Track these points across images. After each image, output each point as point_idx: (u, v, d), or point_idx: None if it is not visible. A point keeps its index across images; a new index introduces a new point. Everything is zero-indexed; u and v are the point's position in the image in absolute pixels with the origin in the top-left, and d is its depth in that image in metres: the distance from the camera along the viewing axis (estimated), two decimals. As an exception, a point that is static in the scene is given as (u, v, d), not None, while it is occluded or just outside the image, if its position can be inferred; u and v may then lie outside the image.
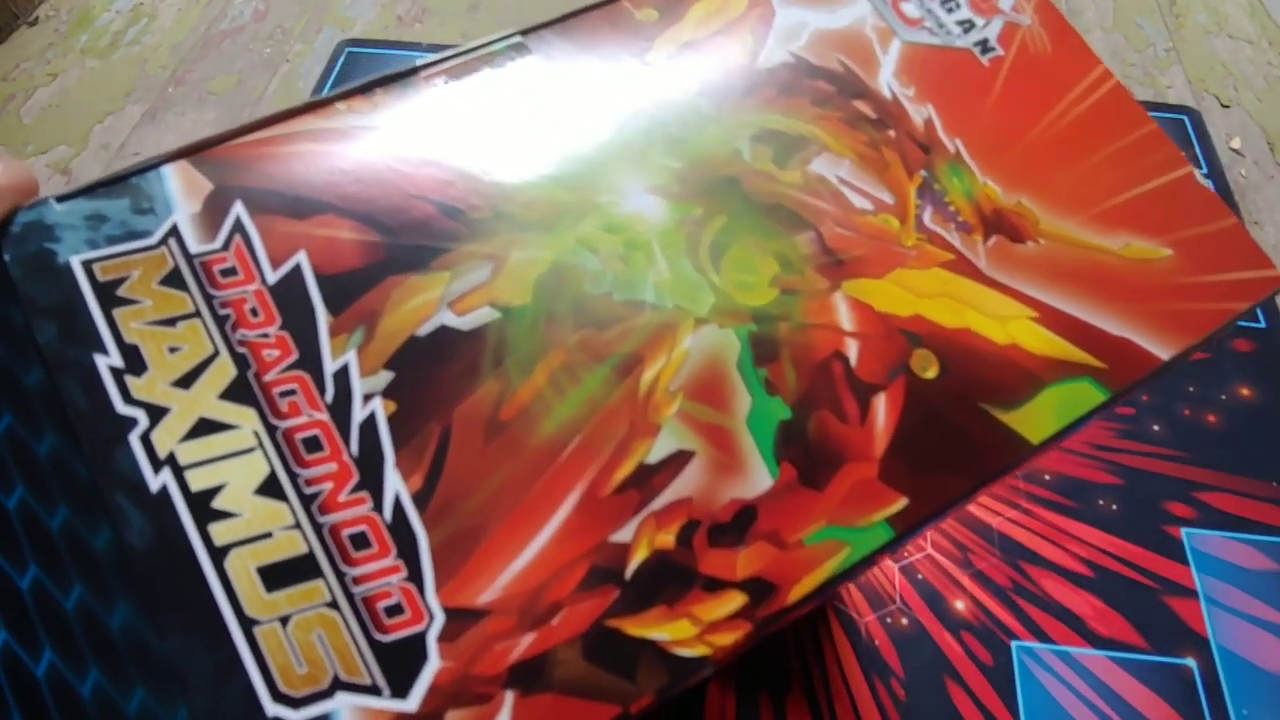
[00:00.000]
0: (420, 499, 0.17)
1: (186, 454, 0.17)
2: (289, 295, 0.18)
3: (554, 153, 0.20)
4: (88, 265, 0.18)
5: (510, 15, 0.67)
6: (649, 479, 0.18)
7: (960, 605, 0.57)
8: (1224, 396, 0.65)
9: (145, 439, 0.17)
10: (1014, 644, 0.56)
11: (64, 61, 0.64)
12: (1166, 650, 0.54)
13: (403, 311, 0.19)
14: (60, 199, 0.18)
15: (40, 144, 0.59)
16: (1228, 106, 0.71)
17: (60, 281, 0.18)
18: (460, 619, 0.17)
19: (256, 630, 0.16)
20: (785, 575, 0.18)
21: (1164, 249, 0.22)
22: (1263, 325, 0.66)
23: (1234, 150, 0.69)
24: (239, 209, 0.19)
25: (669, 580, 0.17)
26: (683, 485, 0.18)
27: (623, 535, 0.18)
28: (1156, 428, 0.63)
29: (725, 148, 0.21)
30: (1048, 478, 0.60)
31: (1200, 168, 0.69)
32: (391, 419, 0.18)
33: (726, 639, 0.17)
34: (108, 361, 0.17)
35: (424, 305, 0.19)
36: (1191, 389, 0.65)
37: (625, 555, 0.17)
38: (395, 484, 0.17)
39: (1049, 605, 0.57)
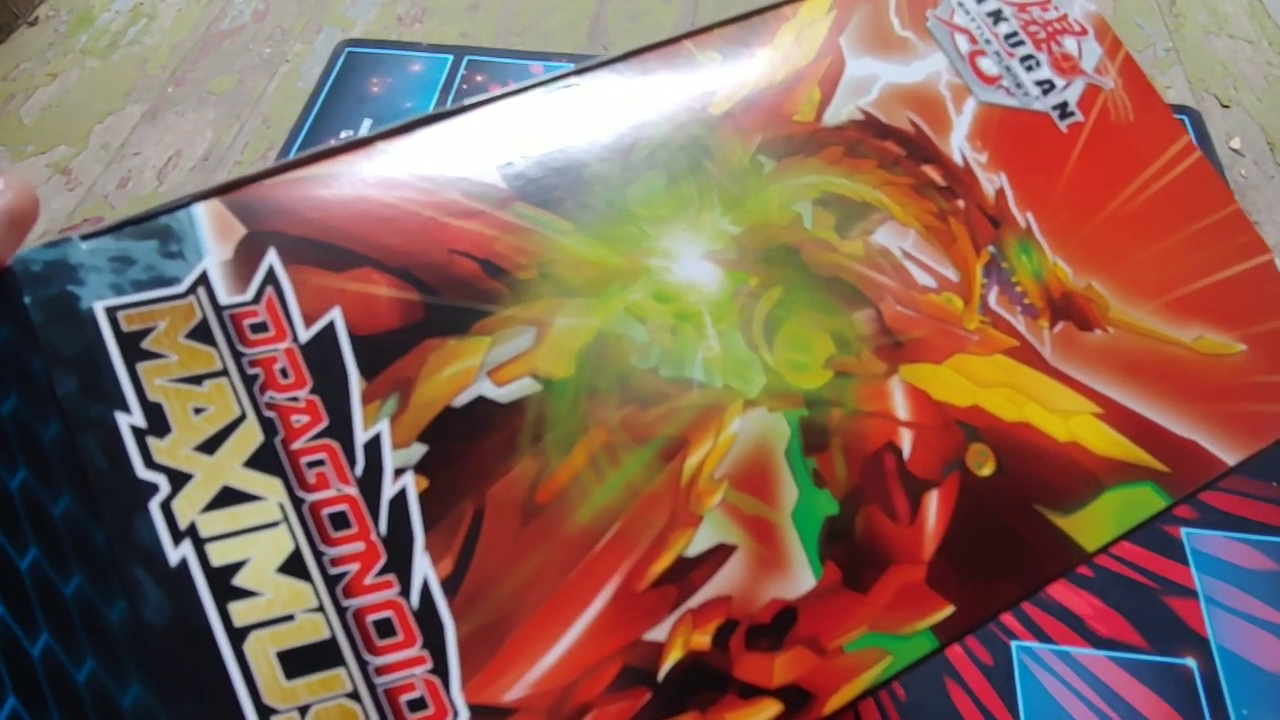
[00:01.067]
0: (449, 585, 0.16)
1: (208, 525, 0.16)
2: (321, 356, 0.17)
3: (605, 209, 0.19)
4: (112, 313, 0.17)
5: (511, 16, 0.66)
6: (688, 574, 0.17)
7: None
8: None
9: (166, 507, 0.16)
10: (1014, 644, 0.55)
11: (64, 61, 0.64)
12: (1166, 650, 0.54)
13: (439, 379, 0.18)
14: (86, 237, 0.17)
15: (40, 144, 0.59)
16: (1228, 106, 0.70)
17: (83, 329, 0.17)
18: (485, 717, 0.16)
19: None
20: (823, 684, 0.17)
21: (1238, 344, 0.21)
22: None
23: (1234, 150, 0.68)
24: (272, 257, 0.18)
25: (703, 684, 0.17)
26: (722, 582, 0.17)
27: (657, 634, 0.17)
28: None
29: (786, 212, 0.20)
30: None
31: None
32: (423, 496, 0.17)
33: None
34: (130, 420, 0.16)
35: (462, 373, 0.18)
36: None
37: (659, 655, 0.17)
38: (424, 568, 0.16)
39: (1049, 605, 0.57)
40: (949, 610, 0.18)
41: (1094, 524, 0.19)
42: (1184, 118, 0.71)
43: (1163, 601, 0.56)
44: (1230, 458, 0.20)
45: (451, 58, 0.65)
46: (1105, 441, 0.19)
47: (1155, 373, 0.20)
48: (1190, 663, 0.54)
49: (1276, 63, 0.73)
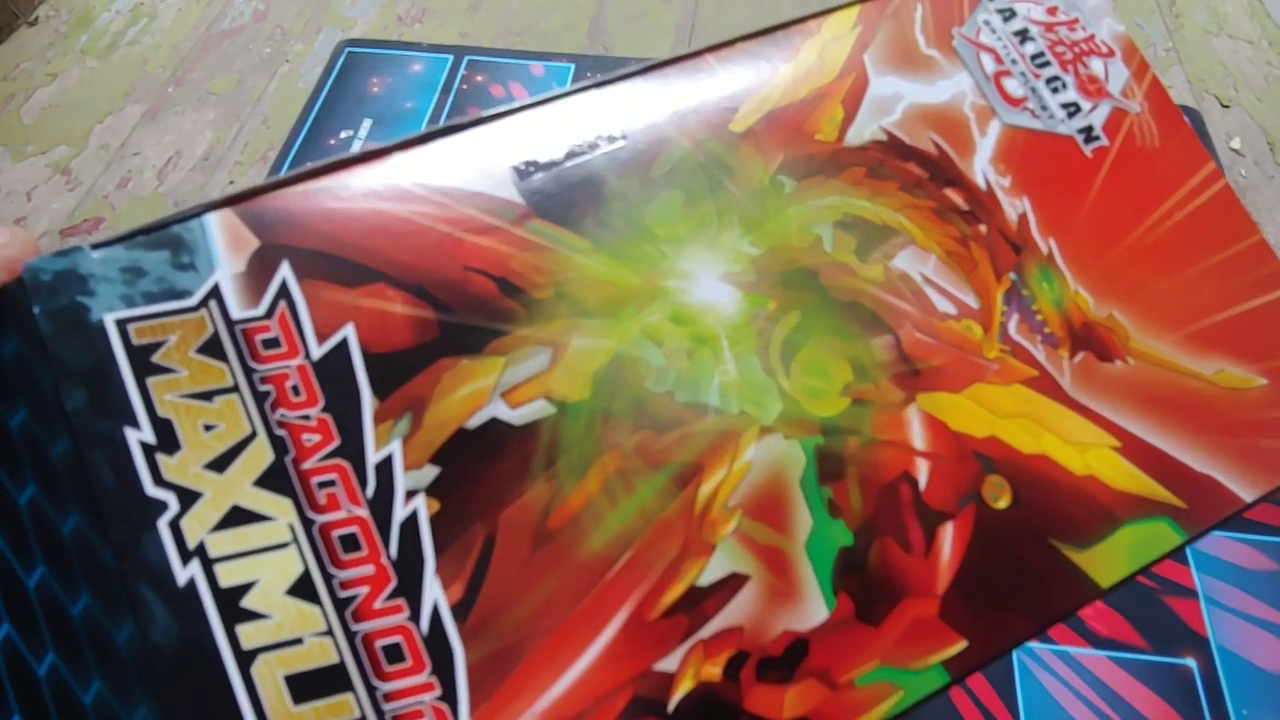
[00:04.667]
0: (459, 611, 0.16)
1: (217, 545, 0.16)
2: (333, 373, 0.17)
3: (623, 227, 0.19)
4: (122, 325, 0.17)
5: (511, 16, 0.66)
6: (700, 603, 0.17)
7: None
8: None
9: (175, 526, 0.16)
10: None
11: (64, 61, 0.64)
12: (1166, 650, 0.54)
13: (453, 400, 0.17)
14: (96, 246, 0.17)
15: (40, 144, 0.59)
16: (1228, 106, 0.70)
17: (92, 342, 0.17)
18: None
19: None
20: (833, 718, 0.17)
21: (1259, 378, 0.21)
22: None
23: (1234, 150, 0.68)
24: (285, 271, 0.18)
25: (713, 716, 0.17)
26: (734, 612, 0.17)
27: (668, 664, 0.17)
28: None
29: (806, 234, 0.20)
30: None
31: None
32: (434, 519, 0.17)
33: None
34: (139, 436, 0.16)
35: (476, 394, 0.17)
36: None
37: (670, 686, 0.17)
38: (434, 592, 0.16)
39: None
40: (961, 645, 0.18)
41: (1109, 560, 0.19)
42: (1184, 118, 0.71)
43: (1163, 601, 0.56)
44: (1248, 494, 0.19)
45: (451, 58, 0.65)
46: (1123, 476, 0.19)
47: (1175, 406, 0.20)
48: (1190, 663, 0.54)
49: (1276, 63, 0.73)
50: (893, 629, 0.17)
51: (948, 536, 0.18)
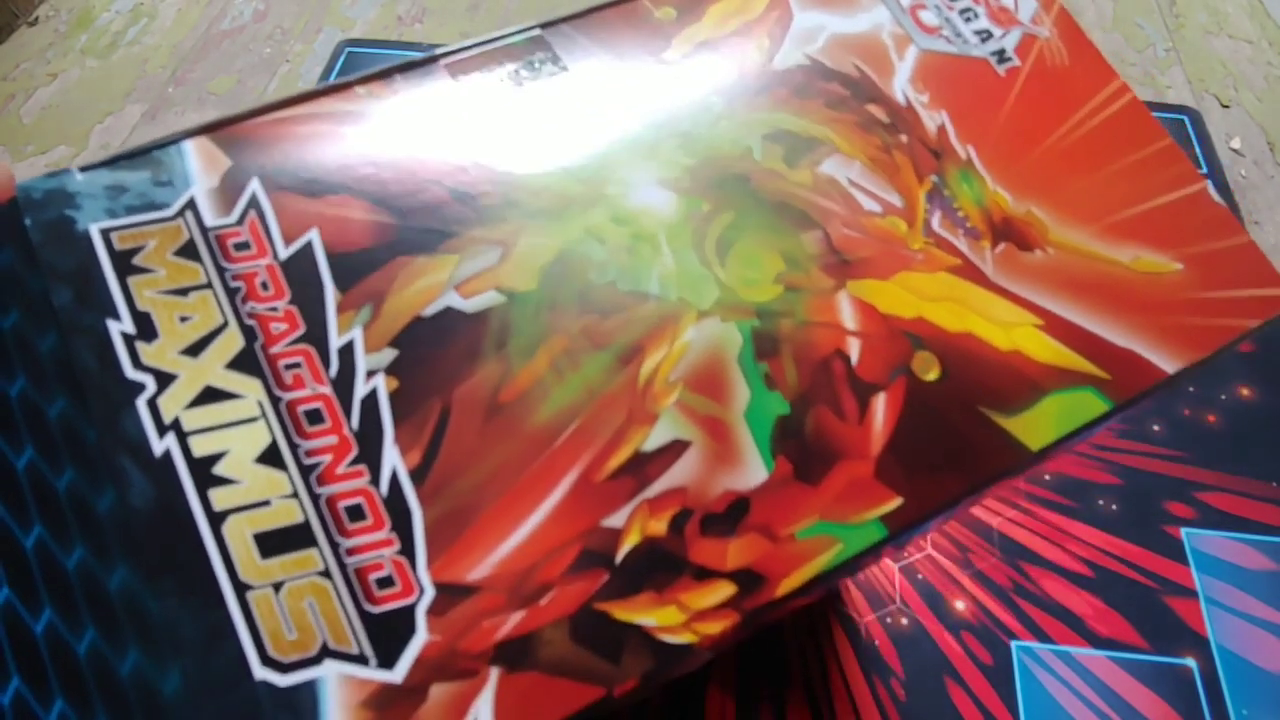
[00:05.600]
0: (417, 475, 0.17)
1: (191, 420, 0.17)
2: (299, 271, 0.19)
3: (566, 144, 0.21)
4: (105, 233, 0.18)
5: (511, 16, 0.67)
6: (644, 467, 0.18)
7: (960, 605, 0.57)
8: (1224, 396, 0.65)
9: (152, 404, 0.17)
10: (1014, 644, 0.55)
11: (64, 61, 0.65)
12: (1166, 650, 0.54)
13: (409, 292, 0.19)
14: (83, 169, 0.19)
15: (40, 144, 0.60)
16: (1228, 106, 0.71)
17: (78, 247, 0.18)
18: (450, 594, 0.17)
19: (250, 595, 0.16)
20: (775, 568, 0.18)
21: (1174, 263, 0.22)
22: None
23: (1234, 150, 0.69)
24: (255, 185, 0.19)
25: (659, 567, 0.17)
26: (677, 474, 0.18)
27: (615, 521, 0.18)
28: (1156, 428, 0.63)
29: (736, 145, 0.21)
30: (1048, 478, 0.60)
31: (1200, 168, 0.69)
32: (393, 395, 0.18)
33: (714, 628, 0.17)
34: (120, 327, 0.18)
35: (431, 287, 0.19)
36: (1191, 389, 0.64)
37: (617, 540, 0.18)
38: (393, 459, 0.17)
39: (1049, 605, 0.57)
40: (897, 501, 0.19)
41: (1038, 425, 0.20)
42: (1184, 118, 0.72)
43: (1163, 601, 0.56)
44: (1169, 366, 0.20)
45: None
46: (1046, 350, 0.20)
47: (1094, 289, 0.21)
48: (1190, 663, 0.54)
49: (1276, 63, 0.74)
50: (830, 488, 0.18)
51: (880, 405, 0.19)
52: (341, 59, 0.67)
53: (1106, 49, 0.75)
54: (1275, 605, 0.55)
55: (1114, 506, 0.60)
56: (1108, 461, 0.61)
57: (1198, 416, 0.63)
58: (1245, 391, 0.64)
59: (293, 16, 0.68)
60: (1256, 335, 0.68)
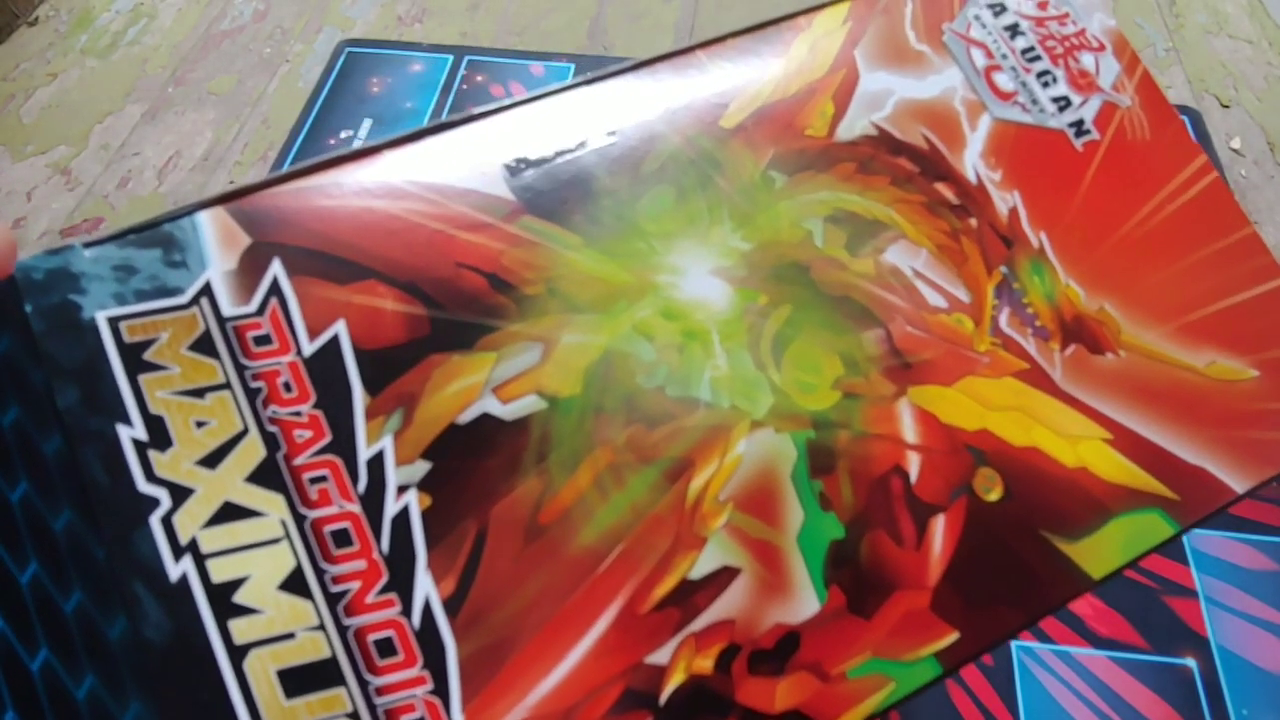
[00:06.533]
0: (451, 605, 0.16)
1: (209, 541, 0.16)
2: (325, 370, 0.17)
3: (614, 223, 0.19)
4: (114, 323, 0.17)
5: (510, 16, 0.66)
6: (691, 596, 0.17)
7: None
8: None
9: (167, 522, 0.16)
10: (1014, 644, 0.56)
11: (64, 61, 0.63)
12: (1166, 650, 0.54)
13: (444, 395, 0.17)
14: (88, 245, 0.17)
15: (40, 144, 0.58)
16: (1228, 106, 0.70)
17: (84, 340, 0.17)
18: None
19: None
20: (825, 710, 0.17)
21: (1250, 369, 0.21)
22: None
23: (1234, 150, 0.68)
24: (276, 268, 0.18)
25: (705, 708, 0.17)
26: (726, 605, 0.17)
27: (660, 657, 0.17)
28: None
29: (797, 229, 0.20)
30: None
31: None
32: (426, 514, 0.17)
33: None
34: (131, 433, 0.16)
35: (467, 390, 0.18)
36: None
37: (661, 679, 0.17)
38: (426, 587, 0.16)
39: None
40: (953, 637, 0.18)
41: (1101, 551, 0.19)
42: (1184, 118, 0.71)
43: (1163, 601, 0.56)
44: (1239, 485, 0.19)
45: (451, 58, 0.65)
46: (1114, 468, 0.19)
47: (1166, 398, 0.20)
48: (1190, 663, 0.54)
49: (1276, 63, 0.73)
50: (884, 621, 0.17)
51: (939, 529, 0.18)
52: (341, 59, 0.65)
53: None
54: (1275, 605, 0.56)
55: None
56: (1109, 455, 0.61)
57: None
58: None
59: (293, 16, 0.66)
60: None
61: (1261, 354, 0.21)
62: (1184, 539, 0.58)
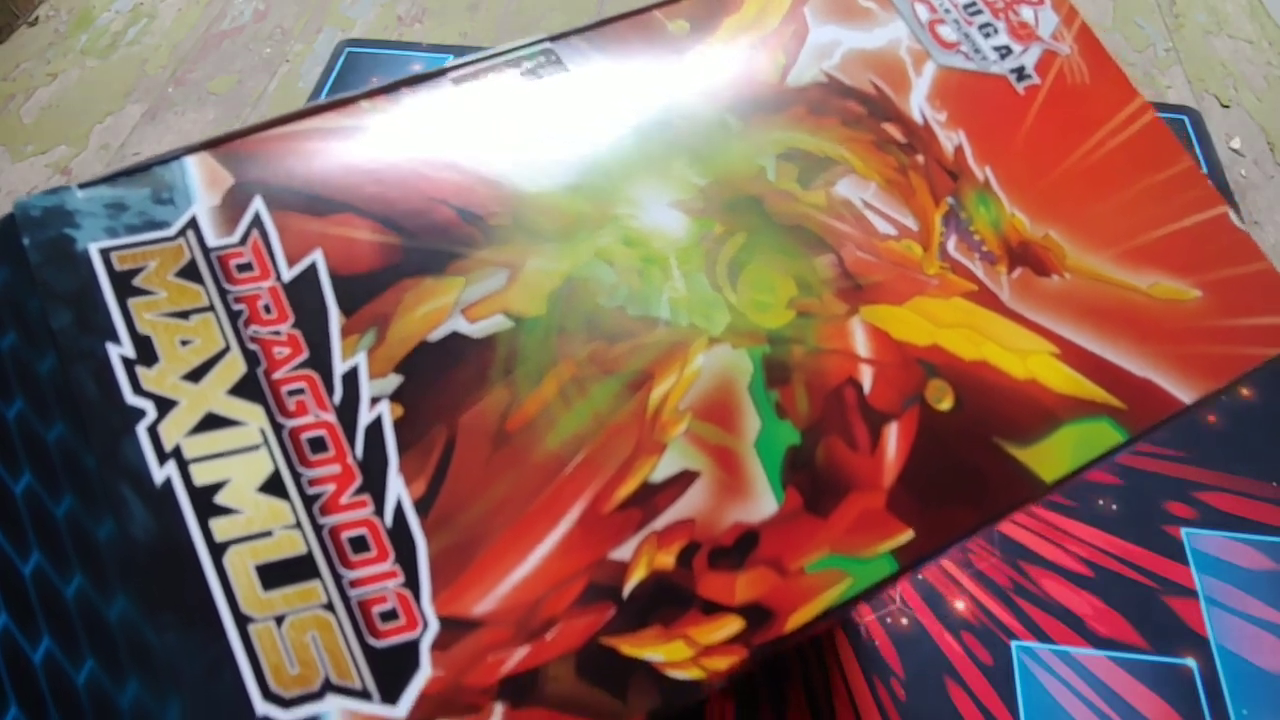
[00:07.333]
0: (422, 506, 0.17)
1: (192, 448, 0.17)
2: (303, 294, 0.18)
3: (577, 161, 0.20)
4: (105, 254, 0.18)
5: (510, 16, 0.67)
6: (652, 498, 0.18)
7: (960, 605, 0.57)
8: (1224, 396, 0.65)
9: (152, 431, 0.17)
10: (1014, 644, 0.55)
11: (64, 61, 0.64)
12: (1166, 650, 0.54)
13: (415, 316, 0.18)
14: (82, 186, 0.19)
15: (40, 144, 0.59)
16: (1228, 106, 0.71)
17: (77, 269, 0.18)
18: (454, 628, 0.16)
19: (251, 628, 0.16)
20: (784, 603, 0.17)
21: (1193, 290, 0.21)
22: (1262, 325, 0.66)
23: (1234, 150, 0.69)
24: (258, 204, 0.19)
25: (666, 601, 0.17)
26: (686, 506, 0.18)
27: (622, 553, 0.17)
28: None
29: (750, 165, 0.21)
30: None
31: (1200, 167, 0.68)
32: (398, 423, 0.18)
33: (721, 663, 0.17)
34: (120, 351, 0.17)
35: (437, 310, 0.19)
36: None
37: (624, 573, 0.17)
38: (398, 489, 0.17)
39: (1049, 605, 0.57)
40: (909, 535, 0.18)
41: (1052, 456, 0.19)
42: (1184, 118, 0.72)
43: (1163, 601, 0.56)
44: (1187, 396, 0.20)
45: (451, 58, 0.67)
46: (1062, 380, 0.20)
47: (1111, 316, 0.21)
48: (1190, 663, 0.54)
49: (1276, 63, 0.74)
50: (841, 520, 0.18)
51: (893, 435, 0.19)
52: (341, 59, 0.66)
53: (1107, 48, 0.74)
54: (1275, 605, 0.55)
55: (1114, 506, 0.60)
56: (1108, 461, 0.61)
57: (1198, 416, 0.63)
58: (1245, 391, 0.64)
59: (293, 16, 0.68)
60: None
61: (1203, 275, 0.22)
62: (1184, 539, 0.57)
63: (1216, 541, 0.58)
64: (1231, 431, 0.62)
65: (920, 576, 0.56)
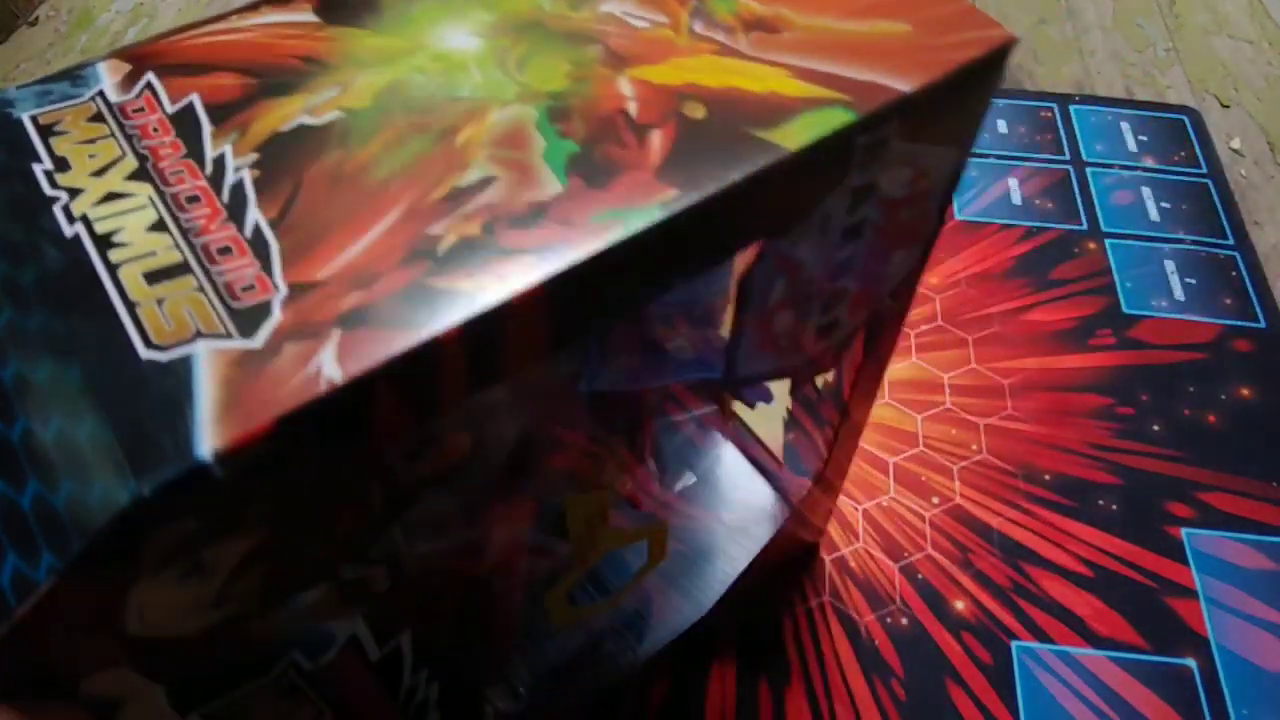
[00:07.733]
0: (274, 222, 0.22)
1: (95, 214, 0.22)
2: (182, 118, 0.24)
3: (394, 20, 0.26)
4: (34, 118, 0.24)
5: None
6: (460, 195, 0.22)
7: (960, 605, 0.56)
8: (1224, 396, 0.65)
9: (65, 208, 0.22)
10: (1014, 644, 0.54)
11: (64, 61, 0.64)
12: (1166, 650, 0.53)
13: (270, 118, 0.24)
14: (19, 87, 0.25)
15: None
16: (1228, 106, 0.71)
17: (13, 128, 0.24)
18: (301, 289, 0.20)
19: (138, 309, 0.20)
20: (573, 241, 0.21)
21: (905, 25, 0.26)
22: (1263, 325, 0.67)
23: (1234, 150, 0.69)
24: (151, 75, 0.25)
25: (475, 253, 0.21)
26: (488, 197, 0.22)
27: (437, 229, 0.22)
28: (1156, 428, 0.63)
29: (530, 4, 0.27)
30: (1048, 478, 0.60)
31: (1200, 167, 0.70)
32: (256, 181, 0.23)
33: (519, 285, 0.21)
34: (42, 167, 0.23)
35: (287, 114, 0.24)
36: (1191, 389, 0.65)
37: (438, 241, 0.21)
38: (255, 215, 0.22)
39: (1049, 605, 0.56)
40: (674, 192, 0.22)
41: (794, 133, 0.24)
42: (1184, 118, 0.72)
43: (1163, 601, 0.56)
44: (906, 86, 0.25)
45: None
46: (798, 89, 0.25)
47: (837, 49, 0.26)
48: (1190, 663, 0.53)
49: (1276, 63, 0.74)
50: (618, 189, 0.22)
51: (657, 135, 0.23)
52: None
53: (1106, 49, 0.76)
54: (1275, 605, 0.55)
55: (1114, 506, 0.60)
56: (1108, 461, 0.61)
57: (1198, 416, 0.64)
58: (1245, 391, 0.65)
59: None
60: (1256, 335, 0.70)
61: (914, 16, 0.27)
62: (1184, 539, 0.57)
63: (1216, 541, 0.58)
64: (1231, 431, 0.63)
65: (920, 576, 0.56)
